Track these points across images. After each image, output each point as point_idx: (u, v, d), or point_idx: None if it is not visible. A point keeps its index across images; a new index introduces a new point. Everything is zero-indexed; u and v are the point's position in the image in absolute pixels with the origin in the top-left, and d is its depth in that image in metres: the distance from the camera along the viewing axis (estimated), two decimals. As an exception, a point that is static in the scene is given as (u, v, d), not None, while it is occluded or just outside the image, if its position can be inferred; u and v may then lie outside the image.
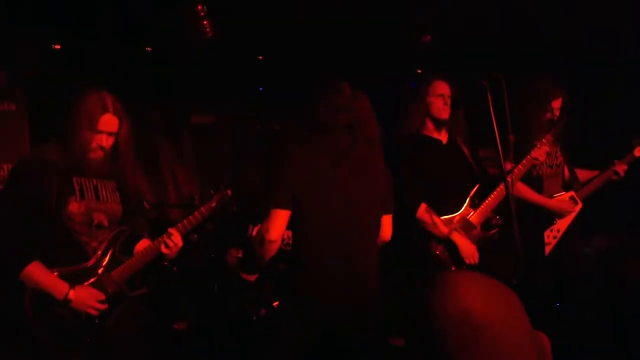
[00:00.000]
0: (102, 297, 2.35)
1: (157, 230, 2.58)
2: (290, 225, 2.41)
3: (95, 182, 2.45)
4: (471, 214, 3.19)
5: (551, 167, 3.74)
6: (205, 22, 4.39)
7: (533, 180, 3.64)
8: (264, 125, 5.52)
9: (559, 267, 3.67)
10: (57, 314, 2.27)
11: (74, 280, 2.31)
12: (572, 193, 3.75)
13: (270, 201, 2.38)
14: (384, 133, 2.59)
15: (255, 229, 3.98)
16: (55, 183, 2.31)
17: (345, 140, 2.40)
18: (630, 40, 4.39)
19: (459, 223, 3.16)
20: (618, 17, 4.18)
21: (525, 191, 3.60)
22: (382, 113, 2.54)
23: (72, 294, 2.27)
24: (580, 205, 3.73)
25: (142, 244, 2.56)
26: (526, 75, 3.68)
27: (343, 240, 2.37)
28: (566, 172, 3.83)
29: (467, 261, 3.09)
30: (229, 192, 2.74)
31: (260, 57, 5.18)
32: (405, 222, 2.96)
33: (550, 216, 3.70)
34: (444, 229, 3.08)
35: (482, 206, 3.20)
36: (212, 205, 2.68)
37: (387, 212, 2.59)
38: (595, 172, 3.89)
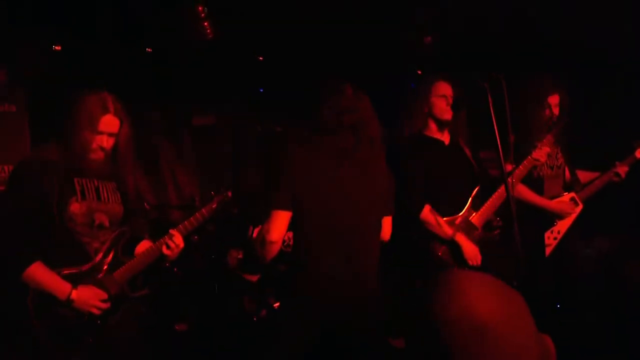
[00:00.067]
0: (105, 296, 2.35)
1: (158, 232, 2.58)
2: (291, 226, 2.40)
3: (96, 183, 2.44)
4: (473, 215, 3.18)
5: (552, 168, 3.73)
6: (205, 24, 4.39)
7: (534, 181, 3.63)
8: (264, 126, 5.50)
9: (559, 268, 3.67)
10: (60, 314, 2.27)
11: (76, 280, 2.30)
12: (572, 194, 3.75)
13: (270, 202, 2.37)
14: (385, 133, 2.59)
15: (256, 230, 3.97)
16: (56, 184, 2.30)
17: (349, 140, 2.40)
18: (630, 40, 4.38)
19: (461, 224, 3.15)
20: (618, 17, 4.17)
21: (525, 193, 3.60)
22: (382, 113, 2.54)
23: (74, 294, 2.27)
24: (580, 207, 3.73)
25: (144, 245, 2.56)
26: (526, 75, 3.68)
27: (343, 241, 2.36)
28: (567, 173, 3.82)
29: (470, 263, 3.08)
30: (230, 194, 2.74)
31: (261, 58, 5.17)
32: (405, 222, 2.95)
33: (550, 217, 3.70)
34: (449, 230, 3.07)
35: (483, 207, 3.19)
36: (213, 206, 2.68)
37: (387, 214, 2.59)
38: (596, 174, 3.88)
